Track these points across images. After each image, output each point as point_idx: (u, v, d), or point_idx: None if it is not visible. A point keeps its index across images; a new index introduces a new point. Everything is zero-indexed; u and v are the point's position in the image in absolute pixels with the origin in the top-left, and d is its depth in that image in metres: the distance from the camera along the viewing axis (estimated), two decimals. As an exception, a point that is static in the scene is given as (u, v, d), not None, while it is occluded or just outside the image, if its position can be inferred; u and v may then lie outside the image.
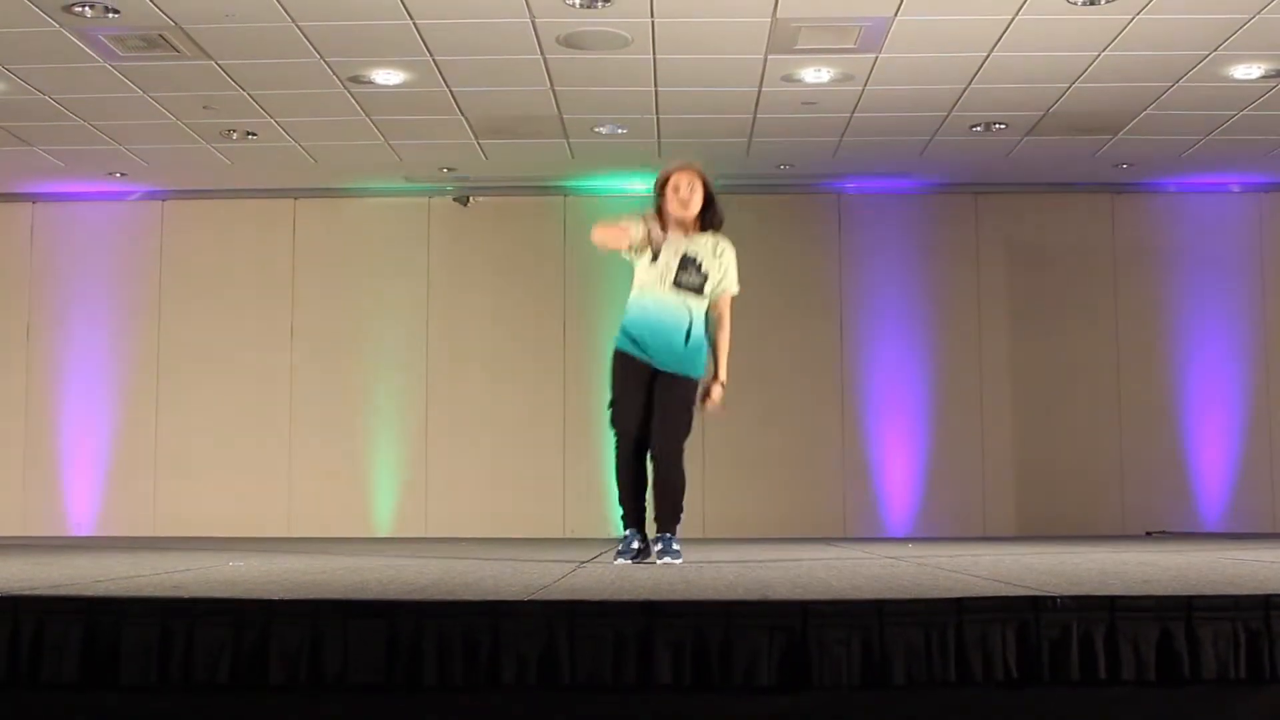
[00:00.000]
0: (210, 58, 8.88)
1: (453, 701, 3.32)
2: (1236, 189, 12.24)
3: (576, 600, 3.48)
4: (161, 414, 12.22)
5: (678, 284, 5.96)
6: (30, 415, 12.26)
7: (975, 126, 10.43)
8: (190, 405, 12.18)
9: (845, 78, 9.33)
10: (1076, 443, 12.08)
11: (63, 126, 10.29)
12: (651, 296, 6.00)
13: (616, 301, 12.03)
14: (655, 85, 9.48)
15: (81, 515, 12.11)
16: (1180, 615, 3.38)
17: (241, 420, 12.16)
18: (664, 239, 5.93)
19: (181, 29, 8.35)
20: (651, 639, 3.32)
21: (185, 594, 3.66)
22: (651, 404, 5.98)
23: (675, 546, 5.98)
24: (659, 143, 10.85)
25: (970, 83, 9.42)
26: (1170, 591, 3.61)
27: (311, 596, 3.66)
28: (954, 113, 10.09)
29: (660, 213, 6.00)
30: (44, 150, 10.97)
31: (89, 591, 3.77)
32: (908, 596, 3.55)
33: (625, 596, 3.70)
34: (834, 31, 8.52)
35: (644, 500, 6.11)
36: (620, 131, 10.58)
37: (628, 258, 6.08)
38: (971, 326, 12.23)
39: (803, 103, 9.85)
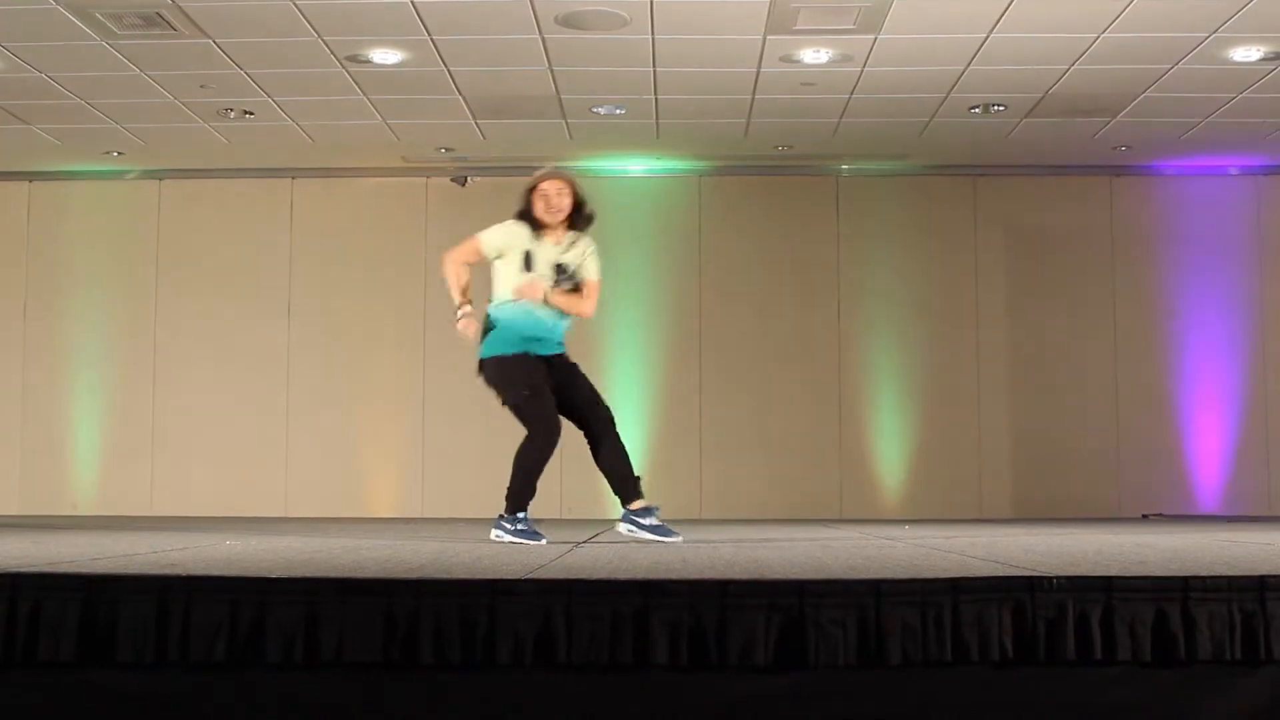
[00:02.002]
0: (208, 36, 8.85)
1: (449, 680, 3.33)
2: (1235, 171, 12.23)
3: (573, 580, 3.49)
4: (158, 393, 12.21)
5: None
6: (27, 394, 12.26)
7: (974, 108, 10.42)
8: (187, 385, 12.17)
9: (844, 58, 9.32)
10: (1073, 425, 12.09)
11: (60, 105, 10.26)
12: (531, 304, 6.25)
13: (613, 282, 12.07)
14: (653, 66, 9.46)
15: (79, 494, 12.11)
16: (1176, 596, 3.39)
17: (238, 400, 12.15)
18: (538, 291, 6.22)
19: (179, 7, 8.33)
20: (648, 618, 3.33)
21: (182, 572, 3.66)
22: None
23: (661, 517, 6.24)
24: (657, 123, 10.84)
25: (969, 64, 9.41)
26: (1166, 573, 3.62)
27: (308, 575, 3.66)
28: (953, 94, 10.07)
29: (529, 216, 6.25)
30: (41, 129, 10.94)
31: (86, 569, 3.77)
32: (904, 577, 3.55)
33: (622, 576, 3.71)
34: (833, 12, 8.50)
35: None
36: (618, 112, 10.57)
37: (492, 259, 6.40)
38: (969, 309, 12.23)
39: (801, 84, 9.83)
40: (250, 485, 11.99)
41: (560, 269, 6.28)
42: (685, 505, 11.92)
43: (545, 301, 6.24)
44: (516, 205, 6.33)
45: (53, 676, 3.36)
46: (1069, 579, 3.43)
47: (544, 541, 6.02)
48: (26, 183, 12.42)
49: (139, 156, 11.86)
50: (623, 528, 6.25)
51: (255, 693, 3.35)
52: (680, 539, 6.10)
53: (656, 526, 6.21)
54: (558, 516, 11.26)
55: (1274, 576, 3.43)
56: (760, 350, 12.13)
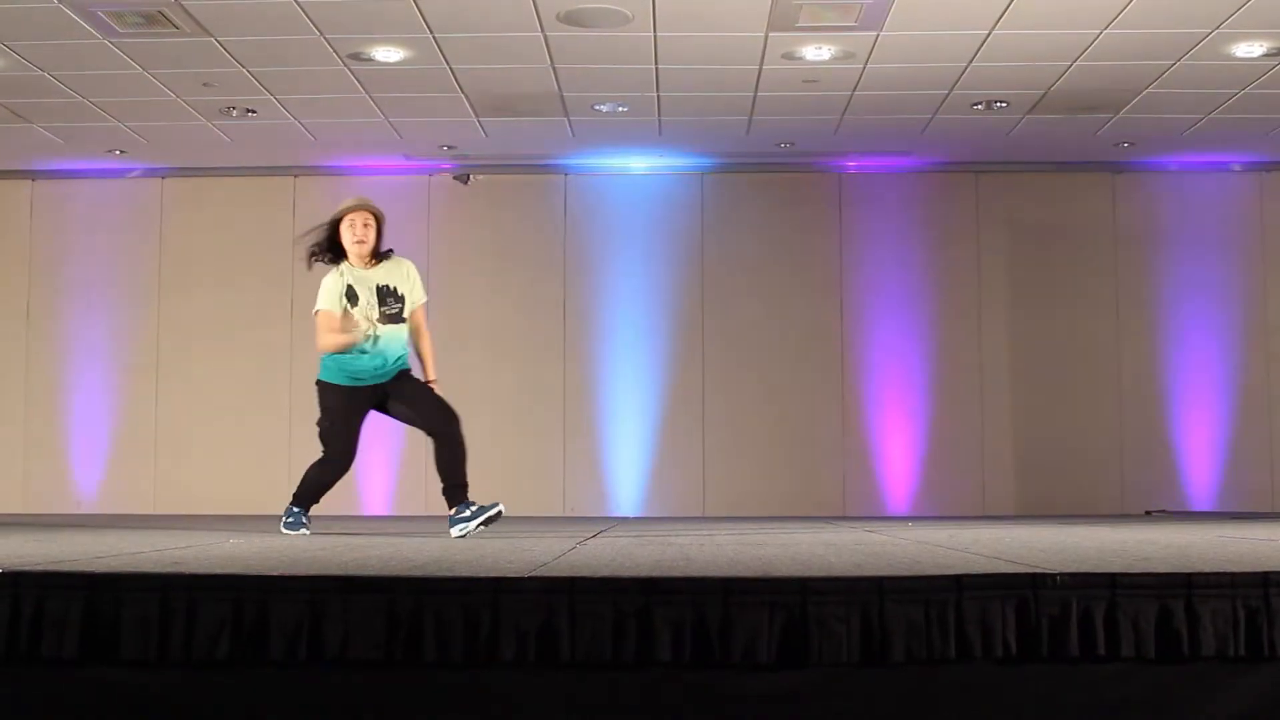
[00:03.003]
0: (210, 34, 8.85)
1: (452, 678, 3.33)
2: (1237, 168, 12.22)
3: (576, 577, 3.49)
4: (161, 391, 12.22)
5: (385, 319, 6.57)
6: (30, 393, 12.26)
7: (976, 105, 10.41)
8: (190, 382, 12.18)
9: (846, 55, 9.31)
10: (1076, 422, 12.09)
11: (62, 103, 10.27)
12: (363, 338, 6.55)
13: (617, 280, 12.09)
14: (656, 63, 9.46)
15: (82, 493, 12.12)
16: (1180, 593, 3.39)
17: (241, 398, 12.16)
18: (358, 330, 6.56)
19: (181, 5, 8.33)
20: (651, 616, 3.32)
21: (185, 570, 3.66)
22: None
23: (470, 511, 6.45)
24: (659, 120, 10.84)
25: (971, 61, 9.40)
26: (1170, 569, 3.61)
27: (311, 573, 3.66)
28: (955, 91, 10.07)
29: (332, 246, 6.62)
30: (43, 127, 10.95)
31: (89, 568, 3.77)
32: (907, 574, 3.55)
33: (625, 574, 3.70)
34: (835, 9, 8.49)
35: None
36: (621, 109, 10.56)
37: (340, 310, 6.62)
38: (972, 306, 12.22)
39: (804, 81, 9.83)
40: (253, 483, 11.99)
41: (383, 290, 6.58)
42: (688, 502, 11.93)
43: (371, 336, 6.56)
44: (314, 237, 6.59)
45: (56, 674, 3.36)
46: (1072, 575, 3.42)
47: (305, 533, 6.59)
48: (29, 181, 12.43)
49: (141, 155, 11.86)
50: (453, 531, 6.41)
51: (258, 691, 3.35)
52: (500, 506, 6.47)
53: (477, 511, 6.42)
54: (560, 515, 11.27)
55: (1277, 572, 3.43)
56: (763, 347, 12.13)
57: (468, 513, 6.40)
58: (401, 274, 6.69)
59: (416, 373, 6.83)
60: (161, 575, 3.52)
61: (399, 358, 6.65)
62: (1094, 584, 3.40)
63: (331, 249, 6.64)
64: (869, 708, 3.33)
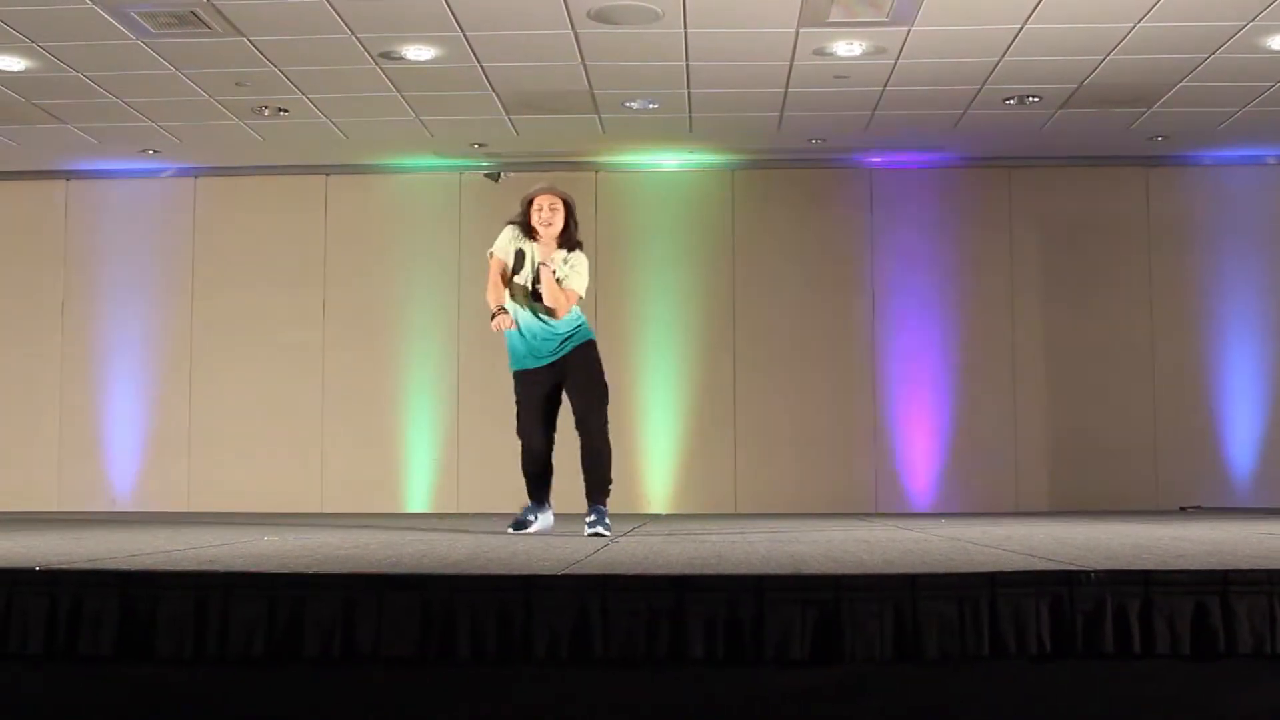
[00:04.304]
0: (242, 34, 8.89)
1: (486, 674, 3.34)
2: (1272, 161, 12.13)
3: (609, 575, 3.49)
4: (195, 390, 12.28)
5: (536, 296, 6.58)
6: (65, 391, 12.34)
7: (1009, 100, 10.36)
8: (223, 381, 12.23)
9: (878, 51, 9.28)
10: (1110, 418, 12.01)
11: (95, 104, 10.33)
12: (520, 306, 6.62)
13: (647, 276, 12.08)
14: (686, 59, 9.45)
15: (117, 491, 12.20)
16: (1215, 589, 3.37)
17: (274, 397, 12.20)
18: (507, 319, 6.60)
19: (213, 5, 8.36)
20: (684, 613, 3.33)
21: (220, 568, 3.68)
22: (553, 407, 6.77)
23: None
24: (690, 117, 10.83)
25: (1004, 55, 9.36)
26: (1205, 566, 3.59)
27: (345, 571, 3.67)
28: (987, 86, 10.03)
29: (526, 227, 6.67)
30: (77, 127, 11.01)
31: (125, 565, 3.79)
32: (940, 571, 3.54)
33: (657, 571, 3.71)
34: (867, 4, 8.46)
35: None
36: (651, 106, 10.56)
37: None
38: (1004, 302, 12.17)
39: (835, 76, 9.80)
40: (286, 481, 12.04)
41: (542, 268, 6.56)
42: (720, 499, 11.91)
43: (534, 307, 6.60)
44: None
45: (92, 671, 3.39)
46: (1107, 573, 3.41)
47: (530, 529, 6.73)
48: (64, 181, 12.50)
49: (175, 154, 11.92)
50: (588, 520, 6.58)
51: (292, 688, 3.37)
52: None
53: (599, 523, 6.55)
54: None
55: (1315, 570, 3.41)
56: (794, 343, 12.10)
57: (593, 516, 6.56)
58: (565, 261, 6.63)
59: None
60: (196, 573, 3.54)
61: (567, 336, 6.62)
62: (1129, 581, 3.39)
63: (527, 230, 6.68)
64: (902, 704, 3.32)
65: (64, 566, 3.66)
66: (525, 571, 3.62)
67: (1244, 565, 3.57)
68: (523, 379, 6.69)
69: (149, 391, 12.31)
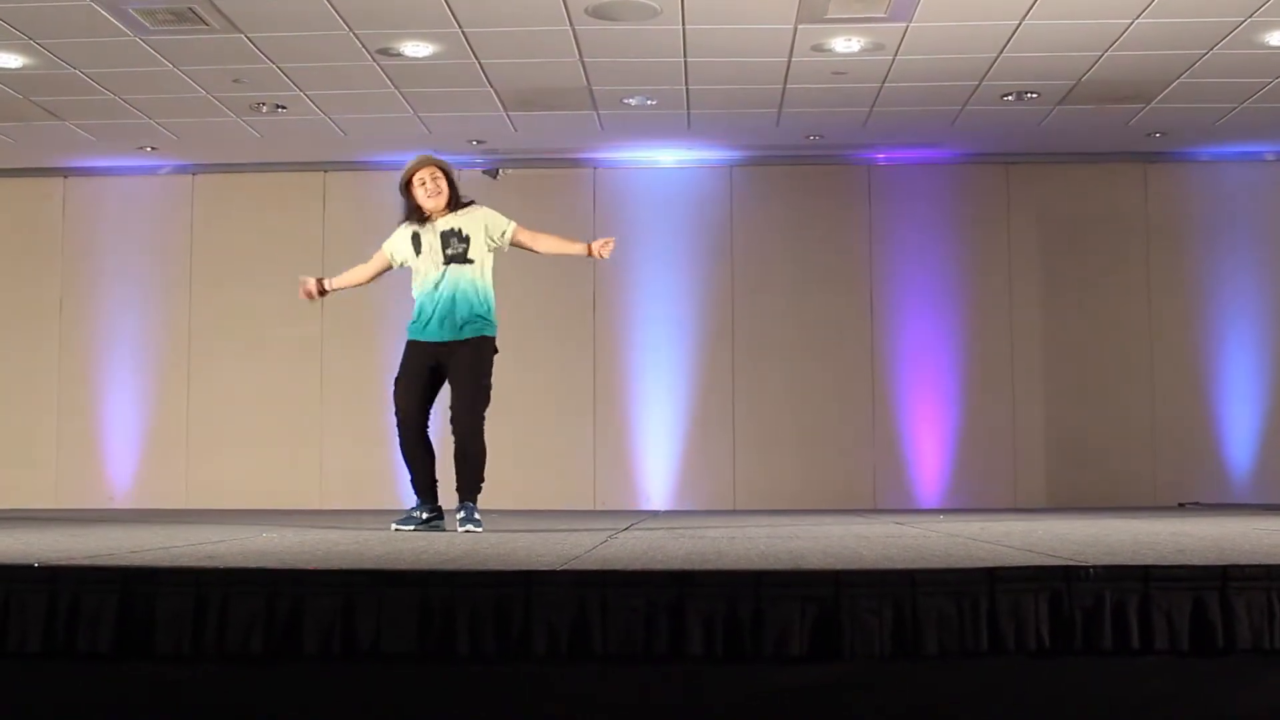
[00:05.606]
0: (239, 31, 8.88)
1: (485, 671, 3.34)
2: (1270, 157, 12.13)
3: (608, 570, 3.49)
4: (193, 387, 12.27)
5: (448, 260, 6.50)
6: (63, 388, 12.34)
7: (1007, 96, 10.36)
8: (222, 378, 12.23)
9: (876, 47, 9.28)
10: (1109, 414, 12.02)
11: (93, 100, 10.32)
12: (430, 279, 6.54)
13: (646, 272, 12.08)
14: (684, 56, 9.44)
15: (115, 487, 12.19)
16: (1214, 585, 3.37)
17: (273, 393, 12.20)
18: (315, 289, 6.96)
19: (211, 2, 8.36)
20: (683, 609, 3.32)
21: (219, 564, 3.68)
22: (435, 384, 6.72)
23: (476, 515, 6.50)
24: (688, 114, 10.82)
25: (1002, 51, 9.36)
26: (1204, 561, 3.59)
27: (344, 567, 3.67)
28: (985, 82, 10.03)
29: (413, 210, 6.57)
30: (75, 124, 11.01)
31: (124, 562, 3.79)
32: (940, 566, 3.54)
33: (657, 567, 3.71)
34: (864, 0, 8.47)
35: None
36: (650, 103, 10.56)
37: (399, 267, 6.77)
38: (1003, 298, 12.17)
39: (833, 73, 9.80)
40: (285, 478, 12.04)
41: (447, 234, 6.52)
42: (719, 496, 11.92)
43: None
44: (399, 211, 6.64)
45: (91, 668, 3.38)
46: (1106, 568, 3.41)
47: (410, 527, 6.64)
48: (61, 178, 12.50)
49: (172, 151, 11.92)
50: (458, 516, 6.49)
51: (292, 685, 3.36)
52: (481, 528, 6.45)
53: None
54: (591, 508, 11.28)
55: (1314, 565, 3.41)
56: (793, 340, 12.10)
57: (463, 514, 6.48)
58: (473, 218, 6.60)
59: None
60: (195, 570, 3.53)
61: (467, 321, 6.55)
62: (1128, 576, 3.38)
63: (417, 213, 6.58)
64: (901, 700, 3.32)
65: (62, 563, 3.66)
66: (524, 567, 3.62)
67: (1242, 560, 3.57)
68: (410, 347, 6.64)
69: (147, 388, 12.31)
